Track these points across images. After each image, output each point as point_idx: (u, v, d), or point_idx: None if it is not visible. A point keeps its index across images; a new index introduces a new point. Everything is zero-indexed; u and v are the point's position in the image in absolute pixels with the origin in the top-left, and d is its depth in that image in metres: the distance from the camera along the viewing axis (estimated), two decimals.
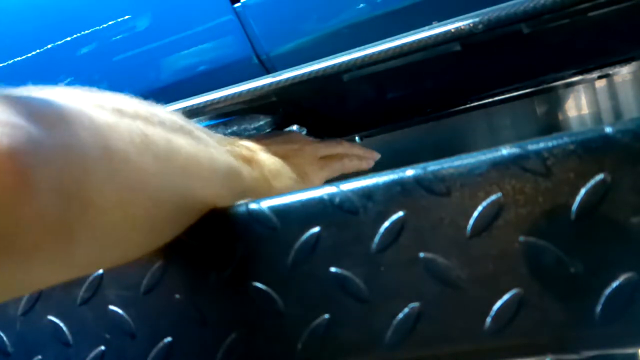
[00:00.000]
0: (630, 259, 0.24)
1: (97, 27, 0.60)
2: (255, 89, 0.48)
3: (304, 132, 0.66)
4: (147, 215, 0.28)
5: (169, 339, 0.31)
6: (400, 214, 0.28)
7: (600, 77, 0.72)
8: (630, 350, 0.25)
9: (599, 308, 0.24)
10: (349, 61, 0.45)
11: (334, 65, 0.45)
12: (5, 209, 0.20)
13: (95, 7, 0.61)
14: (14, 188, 0.20)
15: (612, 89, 0.81)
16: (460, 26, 0.41)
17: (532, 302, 0.25)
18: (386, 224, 0.28)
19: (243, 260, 0.30)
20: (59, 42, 0.61)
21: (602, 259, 0.25)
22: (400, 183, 0.28)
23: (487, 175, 0.27)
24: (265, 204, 0.30)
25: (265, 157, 0.46)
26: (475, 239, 0.26)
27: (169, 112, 0.32)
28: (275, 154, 0.48)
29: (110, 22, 0.59)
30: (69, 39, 0.61)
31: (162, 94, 0.58)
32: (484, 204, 0.26)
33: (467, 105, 0.70)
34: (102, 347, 0.33)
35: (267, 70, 0.58)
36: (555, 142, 0.26)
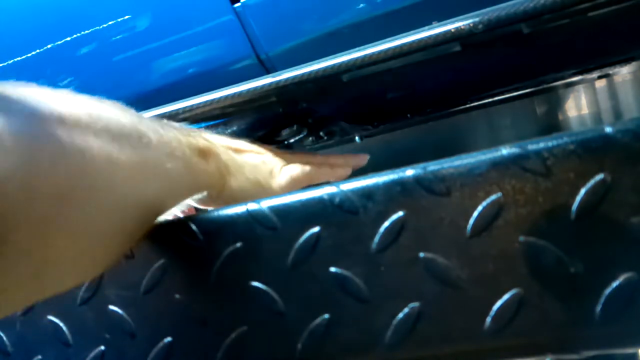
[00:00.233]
0: (630, 259, 0.24)
1: (97, 27, 0.60)
2: (255, 89, 0.48)
3: (304, 132, 0.65)
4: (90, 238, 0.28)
5: (169, 339, 0.31)
6: (400, 214, 0.28)
7: (600, 77, 0.72)
8: (630, 350, 0.25)
9: (599, 308, 0.24)
10: (349, 61, 0.45)
11: (334, 65, 0.45)
12: None
13: (95, 7, 0.61)
14: None
15: (612, 89, 0.81)
16: (460, 26, 0.41)
17: (532, 302, 0.25)
18: (386, 223, 0.28)
19: (243, 260, 0.30)
20: (59, 42, 0.61)
21: (602, 259, 0.25)
22: (400, 183, 0.28)
23: (487, 175, 0.27)
24: (265, 204, 0.30)
25: (222, 151, 0.44)
26: (475, 239, 0.26)
27: (122, 113, 0.31)
28: (236, 151, 0.47)
29: (110, 22, 0.59)
30: (69, 39, 0.61)
31: (162, 94, 0.58)
32: (484, 203, 0.26)
33: (467, 105, 0.70)
34: (102, 347, 0.33)
35: (267, 70, 0.58)
36: (555, 142, 0.26)
